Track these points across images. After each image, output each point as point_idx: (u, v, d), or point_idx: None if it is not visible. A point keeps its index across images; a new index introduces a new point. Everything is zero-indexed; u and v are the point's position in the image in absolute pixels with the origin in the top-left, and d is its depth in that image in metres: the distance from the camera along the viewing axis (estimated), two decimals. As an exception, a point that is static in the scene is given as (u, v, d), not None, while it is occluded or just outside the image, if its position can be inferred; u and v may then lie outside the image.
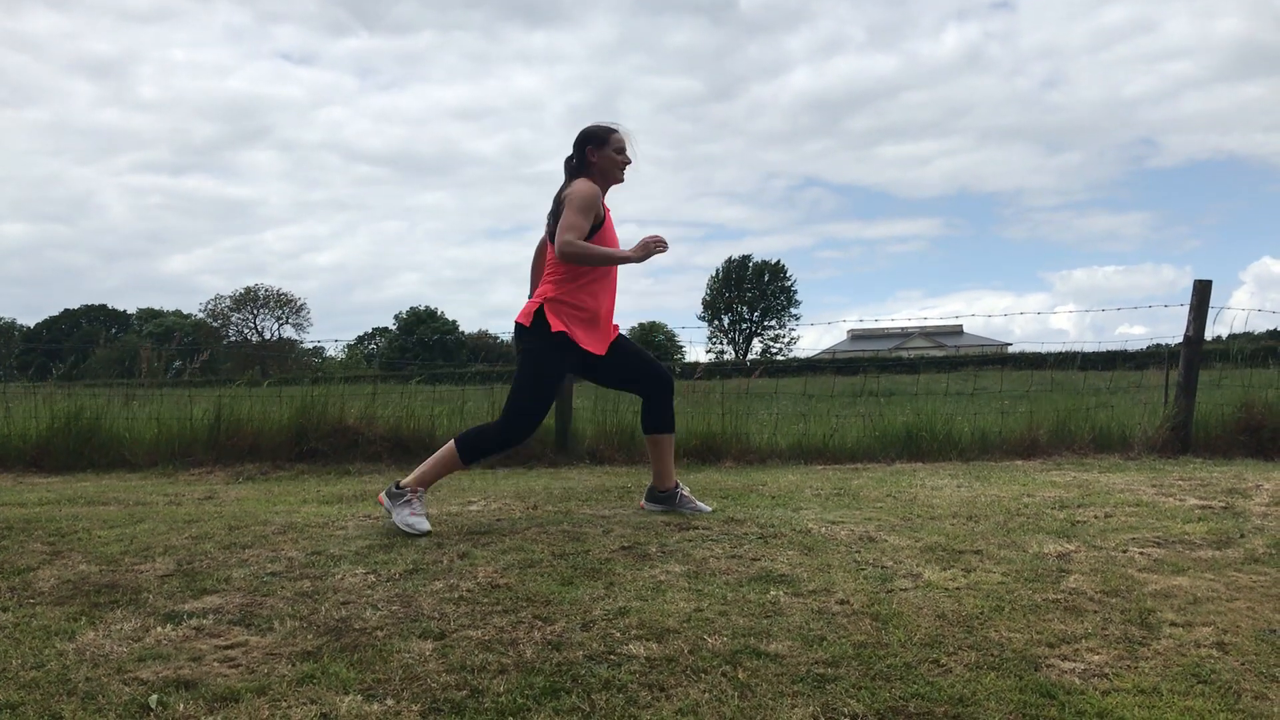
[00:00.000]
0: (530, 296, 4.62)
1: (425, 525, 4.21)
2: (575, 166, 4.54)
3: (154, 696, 2.49)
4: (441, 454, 4.43)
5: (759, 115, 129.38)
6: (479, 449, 4.41)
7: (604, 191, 4.51)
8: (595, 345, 4.46)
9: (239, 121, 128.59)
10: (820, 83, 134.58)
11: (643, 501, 4.87)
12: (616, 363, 4.60)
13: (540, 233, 4.71)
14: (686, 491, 4.81)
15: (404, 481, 4.35)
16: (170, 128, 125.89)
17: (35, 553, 3.92)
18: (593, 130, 4.54)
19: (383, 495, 4.36)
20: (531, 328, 4.39)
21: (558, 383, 4.48)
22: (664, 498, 4.76)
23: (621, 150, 4.53)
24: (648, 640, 2.83)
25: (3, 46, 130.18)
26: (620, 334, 4.66)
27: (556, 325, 4.35)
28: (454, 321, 79.88)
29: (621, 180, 4.58)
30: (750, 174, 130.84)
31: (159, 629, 2.96)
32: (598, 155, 4.49)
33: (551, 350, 4.38)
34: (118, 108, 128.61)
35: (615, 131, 4.54)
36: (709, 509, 4.73)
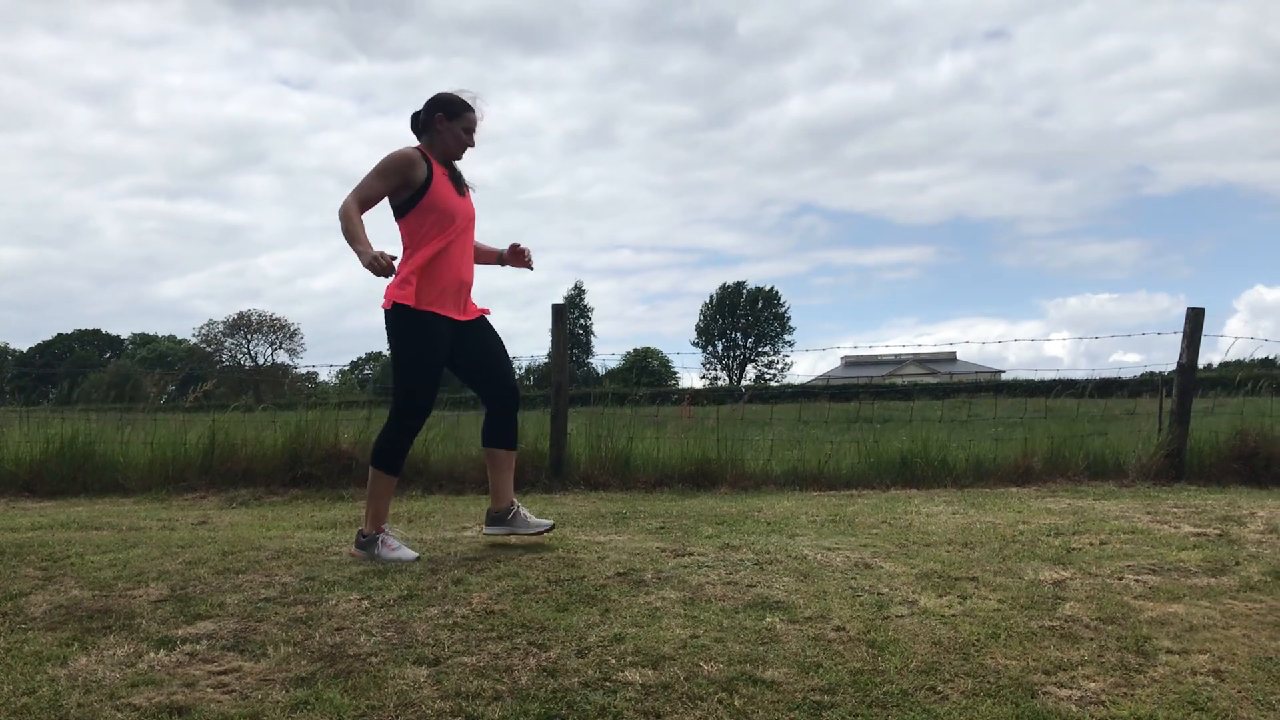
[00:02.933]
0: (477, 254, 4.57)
1: (409, 554, 4.19)
2: (420, 127, 4.40)
3: (147, 723, 2.47)
4: (370, 483, 4.36)
5: (755, 142, 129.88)
6: (389, 451, 4.32)
7: (443, 161, 4.37)
8: (453, 312, 4.31)
9: (236, 146, 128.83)
10: (816, 110, 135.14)
11: (484, 529, 4.66)
12: (475, 348, 4.44)
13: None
14: (523, 510, 4.60)
15: (364, 529, 4.30)
16: (167, 152, 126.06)
17: (27, 578, 3.90)
18: (450, 99, 4.37)
19: (354, 549, 4.30)
20: (392, 309, 4.23)
21: (433, 356, 4.27)
22: (498, 518, 4.57)
23: (470, 130, 4.39)
24: (643, 667, 2.82)
25: (0, 70, 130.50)
26: (486, 321, 4.53)
27: (404, 296, 4.17)
28: (449, 347, 79.72)
29: (460, 157, 4.43)
30: (746, 200, 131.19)
31: (152, 655, 2.94)
32: (444, 126, 4.34)
33: (414, 327, 4.23)
34: (114, 132, 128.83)
35: (471, 110, 4.39)
36: (548, 524, 4.56)
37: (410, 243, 4.27)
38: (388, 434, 4.34)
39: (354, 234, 4.14)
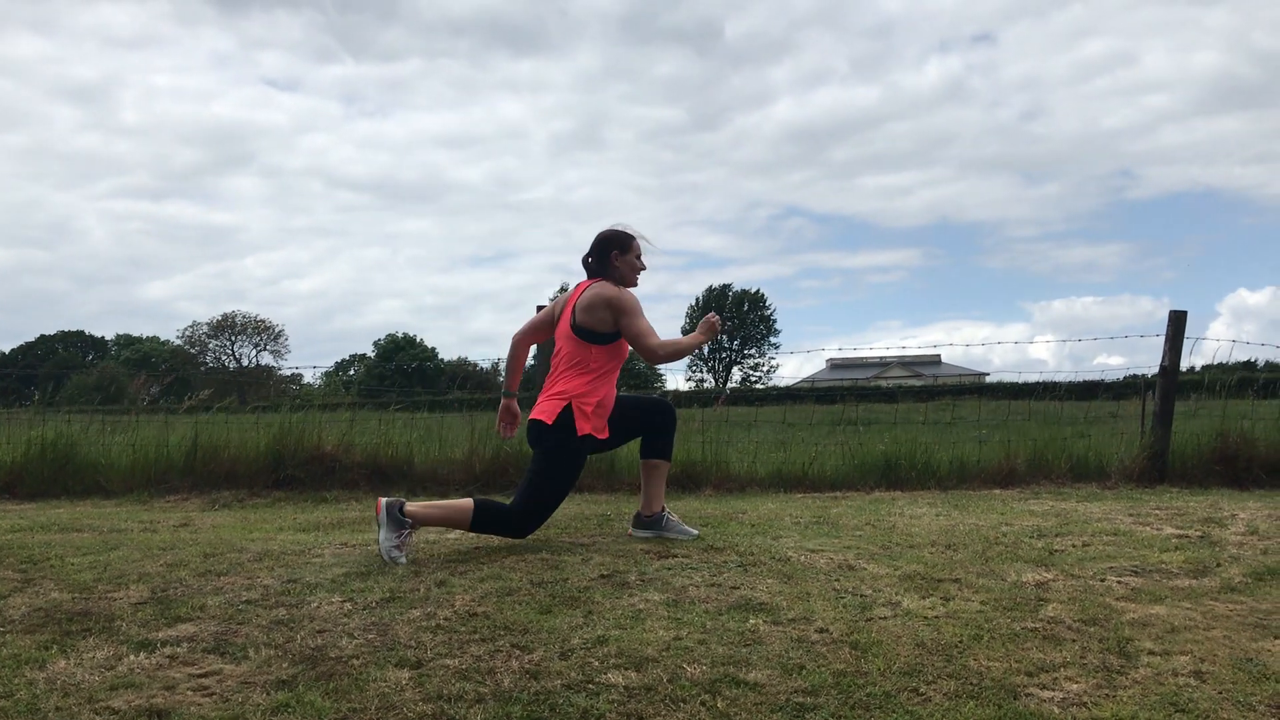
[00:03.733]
0: (510, 390, 4.88)
1: (403, 560, 4.19)
2: (596, 267, 4.71)
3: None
4: (454, 507, 4.41)
5: (742, 145, 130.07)
6: (490, 525, 4.45)
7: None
8: (608, 432, 4.64)
9: (222, 147, 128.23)
10: (803, 113, 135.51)
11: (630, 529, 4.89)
12: (617, 428, 4.72)
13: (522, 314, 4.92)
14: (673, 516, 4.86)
15: (410, 509, 4.27)
16: (152, 153, 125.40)
17: (6, 580, 3.87)
18: (616, 235, 4.72)
19: (383, 504, 4.22)
20: (555, 427, 4.44)
21: (575, 479, 4.60)
22: (650, 522, 4.80)
23: (640, 256, 4.75)
24: (626, 669, 2.81)
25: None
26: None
27: (583, 428, 4.45)
28: (433, 349, 79.71)
29: (637, 285, 4.76)
30: (732, 203, 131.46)
31: (132, 657, 2.92)
32: (621, 261, 4.68)
33: (575, 451, 4.50)
34: (99, 133, 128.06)
35: (635, 239, 4.74)
36: (694, 532, 4.79)
37: (592, 369, 4.54)
38: (504, 523, 4.47)
39: (684, 345, 4.74)
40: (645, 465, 4.80)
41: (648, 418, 4.78)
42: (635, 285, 4.75)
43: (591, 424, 4.48)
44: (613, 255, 4.68)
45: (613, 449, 5.06)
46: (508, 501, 4.53)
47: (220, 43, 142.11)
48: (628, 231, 4.74)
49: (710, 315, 4.79)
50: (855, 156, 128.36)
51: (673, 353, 4.60)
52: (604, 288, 4.57)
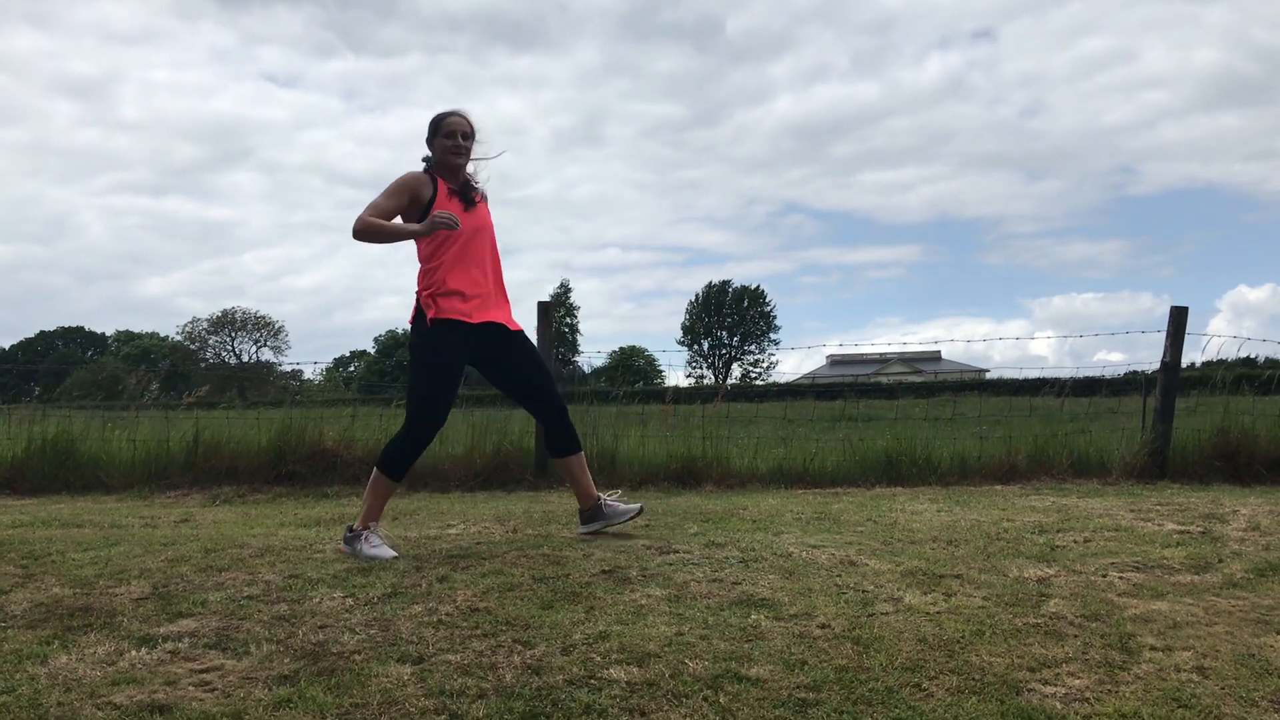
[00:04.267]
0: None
1: (388, 552, 4.19)
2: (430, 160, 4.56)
3: (128, 721, 2.46)
4: (372, 483, 4.42)
5: (742, 141, 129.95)
6: (399, 459, 4.41)
7: (450, 178, 4.48)
8: (479, 315, 4.43)
9: (221, 143, 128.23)
10: (803, 109, 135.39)
11: (580, 528, 4.79)
12: (515, 365, 4.59)
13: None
14: (610, 499, 4.81)
15: (354, 525, 4.33)
16: (151, 149, 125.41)
17: (7, 575, 3.87)
18: (433, 118, 4.52)
19: (341, 545, 4.32)
20: (413, 323, 4.44)
21: (452, 367, 4.41)
22: (592, 514, 4.73)
23: (452, 135, 4.44)
24: (628, 664, 2.81)
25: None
26: (523, 336, 4.65)
27: (429, 314, 4.36)
28: (433, 345, 79.57)
29: (459, 166, 4.50)
30: (732, 199, 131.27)
31: (133, 653, 2.92)
32: (435, 143, 4.50)
33: (430, 338, 4.37)
34: (98, 128, 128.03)
35: (449, 116, 4.48)
36: (636, 507, 4.76)
37: (423, 258, 4.42)
38: (399, 440, 4.41)
39: (389, 229, 4.31)
40: (562, 464, 4.76)
41: (538, 408, 4.68)
42: (454, 169, 4.49)
43: (435, 308, 4.35)
44: (428, 141, 4.52)
45: (497, 386, 4.71)
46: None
47: (220, 38, 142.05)
48: (442, 111, 4.52)
49: (442, 214, 4.25)
50: (855, 153, 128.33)
51: (367, 229, 4.25)
52: None
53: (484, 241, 4.52)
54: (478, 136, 4.54)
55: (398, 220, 4.38)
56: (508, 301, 4.65)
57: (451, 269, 4.38)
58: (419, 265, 4.44)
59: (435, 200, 4.38)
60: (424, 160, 4.55)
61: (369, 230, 4.27)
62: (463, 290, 4.39)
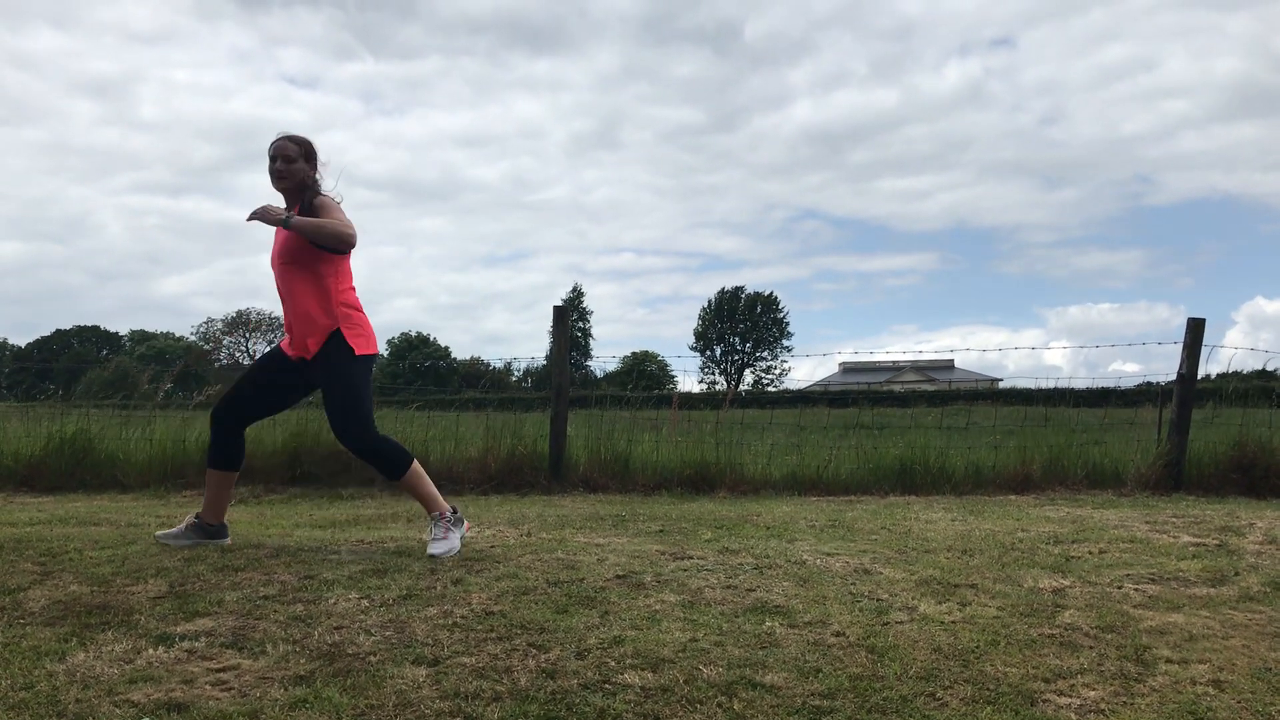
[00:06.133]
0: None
1: (464, 533, 4.50)
2: None
3: (145, 719, 2.47)
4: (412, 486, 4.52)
5: (760, 147, 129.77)
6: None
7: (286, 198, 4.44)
8: (292, 348, 4.48)
9: (239, 143, 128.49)
10: (822, 115, 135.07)
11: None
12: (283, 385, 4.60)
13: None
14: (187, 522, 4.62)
15: (432, 513, 4.43)
16: (170, 149, 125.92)
17: (26, 573, 3.90)
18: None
19: (444, 514, 4.43)
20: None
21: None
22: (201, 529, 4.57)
23: (269, 166, 4.38)
24: (643, 670, 2.81)
25: (4, 64, 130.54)
26: (302, 361, 4.48)
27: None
28: (446, 348, 79.86)
29: (281, 192, 4.42)
30: (749, 205, 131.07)
31: (150, 651, 2.94)
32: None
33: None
34: (118, 128, 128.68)
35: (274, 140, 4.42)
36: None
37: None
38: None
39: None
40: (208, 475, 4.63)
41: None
42: (280, 191, 4.42)
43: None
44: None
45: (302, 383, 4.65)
46: None
47: (240, 39, 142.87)
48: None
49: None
50: (873, 159, 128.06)
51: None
52: None
53: (284, 272, 4.44)
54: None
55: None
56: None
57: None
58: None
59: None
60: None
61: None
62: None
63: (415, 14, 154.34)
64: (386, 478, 4.58)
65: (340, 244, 4.28)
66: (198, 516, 4.57)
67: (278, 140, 4.40)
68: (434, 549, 4.27)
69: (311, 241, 4.24)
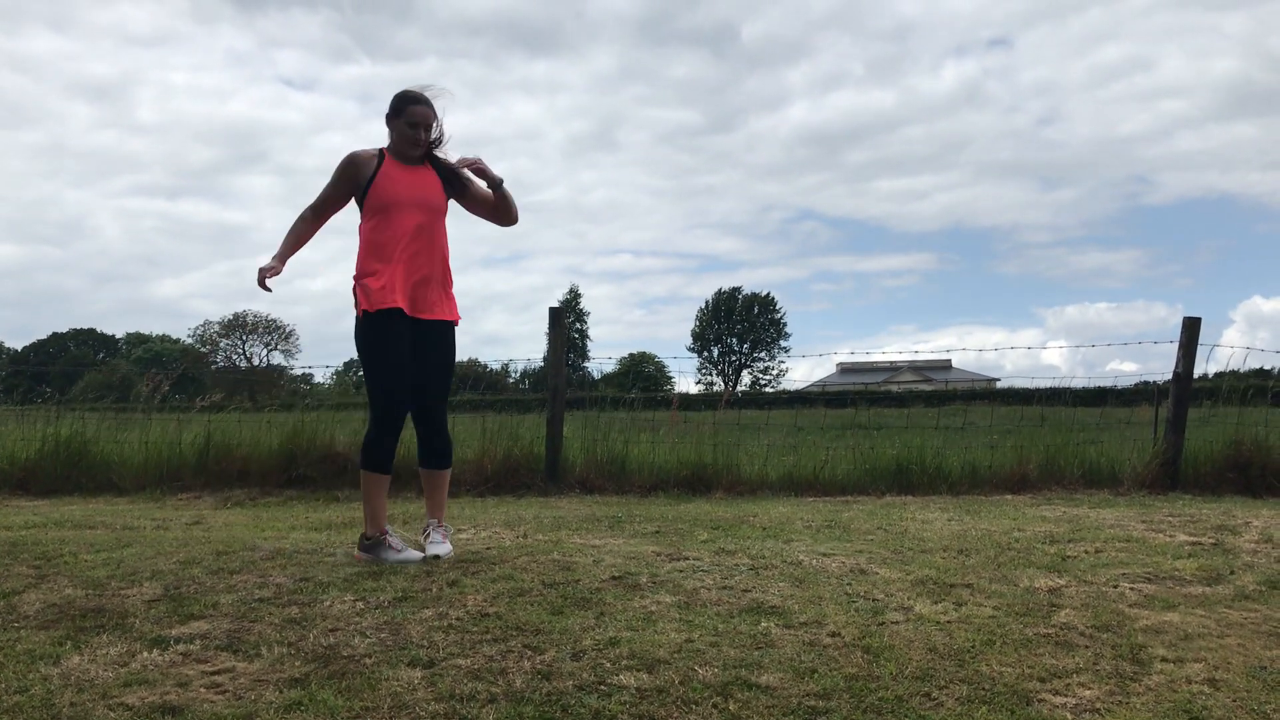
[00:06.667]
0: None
1: (415, 554, 4.20)
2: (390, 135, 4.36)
3: (140, 722, 2.47)
4: (362, 486, 4.35)
5: (757, 147, 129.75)
6: (371, 452, 4.26)
7: (399, 157, 4.30)
8: (406, 305, 4.21)
9: (237, 146, 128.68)
10: (819, 116, 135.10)
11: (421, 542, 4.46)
12: (422, 358, 4.29)
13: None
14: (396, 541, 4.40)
15: (366, 531, 4.26)
16: (167, 151, 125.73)
17: (20, 576, 3.89)
18: (396, 97, 4.32)
19: (358, 553, 4.26)
20: (357, 316, 4.25)
21: (386, 357, 4.19)
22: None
23: (415, 125, 4.26)
24: (638, 671, 2.81)
25: (1, 67, 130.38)
26: (444, 329, 4.36)
27: (361, 304, 4.19)
28: (444, 349, 79.66)
29: (415, 154, 4.30)
30: (747, 206, 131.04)
31: (145, 654, 2.93)
32: (393, 125, 4.31)
33: (368, 328, 4.19)
34: (115, 130, 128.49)
35: (416, 104, 4.27)
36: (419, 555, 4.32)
37: (361, 241, 4.28)
38: (369, 435, 4.31)
39: (287, 239, 4.32)
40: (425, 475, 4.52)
41: (423, 417, 4.40)
42: (411, 156, 4.29)
43: (369, 299, 4.15)
44: (387, 121, 4.33)
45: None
46: None
47: (237, 41, 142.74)
48: (408, 92, 4.31)
49: (271, 268, 4.23)
50: (870, 160, 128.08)
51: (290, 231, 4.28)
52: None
53: (427, 226, 4.34)
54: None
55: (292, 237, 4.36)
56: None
57: (375, 253, 4.26)
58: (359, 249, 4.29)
59: (374, 180, 4.27)
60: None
61: (289, 232, 4.38)
62: (389, 277, 4.24)
63: (412, 16, 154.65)
64: (445, 463, 4.51)
65: (514, 214, 4.52)
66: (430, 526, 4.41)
67: (421, 106, 4.26)
68: (437, 550, 4.26)
69: (494, 206, 4.46)
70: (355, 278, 4.25)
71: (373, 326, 4.17)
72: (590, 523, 5.39)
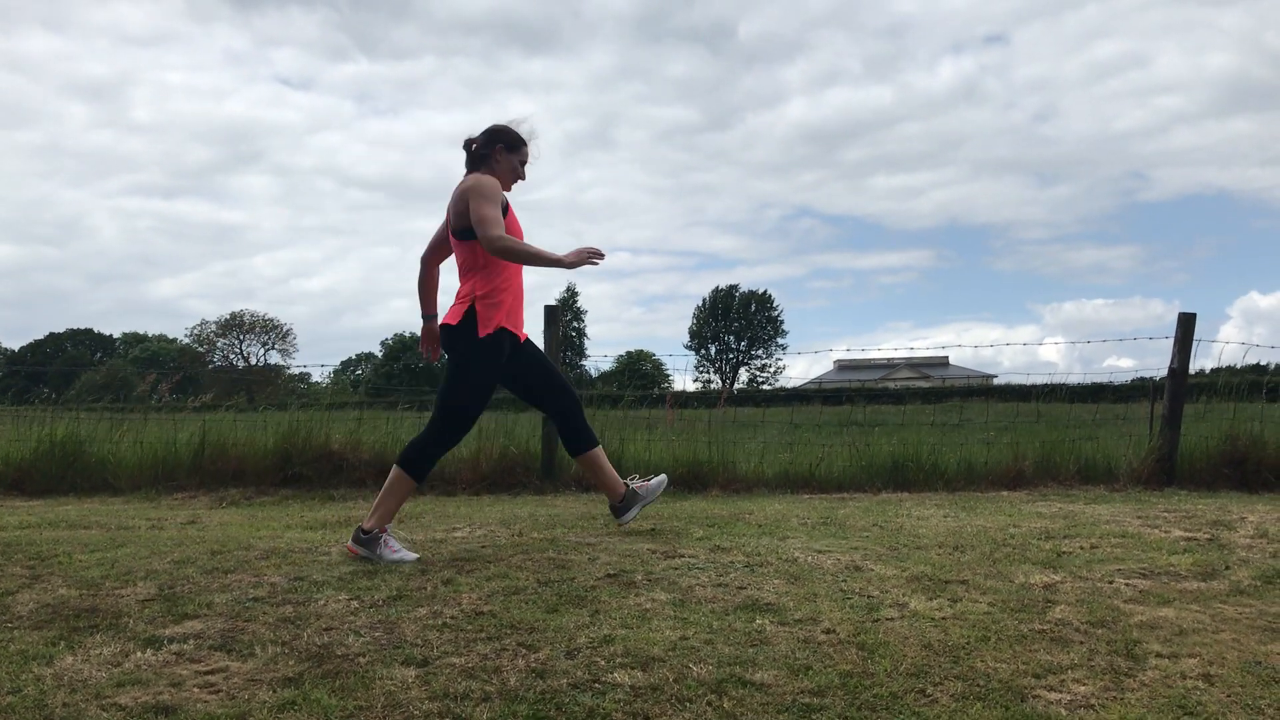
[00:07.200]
0: (427, 313, 4.73)
1: (410, 555, 4.19)
2: (475, 158, 4.54)
3: (132, 722, 2.46)
4: (391, 482, 4.38)
5: (754, 145, 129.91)
6: (423, 460, 4.41)
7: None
8: (518, 330, 4.54)
9: (233, 145, 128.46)
10: (816, 114, 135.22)
11: (619, 520, 4.91)
12: (527, 367, 4.64)
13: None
14: (639, 483, 4.94)
15: (367, 525, 4.25)
16: (164, 151, 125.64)
17: (14, 576, 3.88)
18: (509, 134, 4.56)
19: (351, 545, 4.24)
20: (460, 328, 4.38)
21: (492, 381, 4.49)
22: (623, 508, 4.84)
23: (525, 164, 4.61)
24: (633, 668, 2.81)
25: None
26: (528, 339, 4.69)
27: (485, 328, 4.36)
28: (441, 348, 79.53)
29: (509, 190, 4.58)
30: (744, 204, 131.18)
31: (139, 654, 2.93)
32: (503, 158, 4.53)
33: (483, 351, 4.38)
34: (111, 130, 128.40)
35: (527, 144, 4.60)
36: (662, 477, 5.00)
37: (481, 265, 4.41)
38: (423, 441, 4.41)
39: (536, 254, 4.39)
40: (583, 461, 4.80)
41: (553, 398, 4.73)
42: (507, 190, 4.56)
43: (494, 322, 4.38)
44: (497, 149, 4.52)
45: (515, 392, 4.80)
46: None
47: (234, 40, 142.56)
48: (522, 132, 4.59)
49: (591, 248, 4.51)
50: (867, 157, 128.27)
51: (510, 249, 4.30)
52: (464, 180, 4.44)
53: None
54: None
55: (539, 245, 4.46)
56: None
57: (499, 277, 4.44)
58: (469, 271, 4.43)
59: (508, 210, 4.48)
60: (472, 161, 4.55)
61: (513, 252, 4.33)
62: (511, 302, 4.50)
63: (409, 14, 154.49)
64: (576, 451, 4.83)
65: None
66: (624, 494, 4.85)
67: (531, 146, 4.63)
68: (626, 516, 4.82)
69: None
70: (477, 298, 4.39)
71: (490, 349, 4.39)
72: (586, 520, 5.38)
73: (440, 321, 4.49)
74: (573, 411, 4.72)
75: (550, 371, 4.74)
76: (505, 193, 4.52)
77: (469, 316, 4.37)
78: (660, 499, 5.28)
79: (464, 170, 4.55)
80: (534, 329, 4.88)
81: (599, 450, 4.79)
